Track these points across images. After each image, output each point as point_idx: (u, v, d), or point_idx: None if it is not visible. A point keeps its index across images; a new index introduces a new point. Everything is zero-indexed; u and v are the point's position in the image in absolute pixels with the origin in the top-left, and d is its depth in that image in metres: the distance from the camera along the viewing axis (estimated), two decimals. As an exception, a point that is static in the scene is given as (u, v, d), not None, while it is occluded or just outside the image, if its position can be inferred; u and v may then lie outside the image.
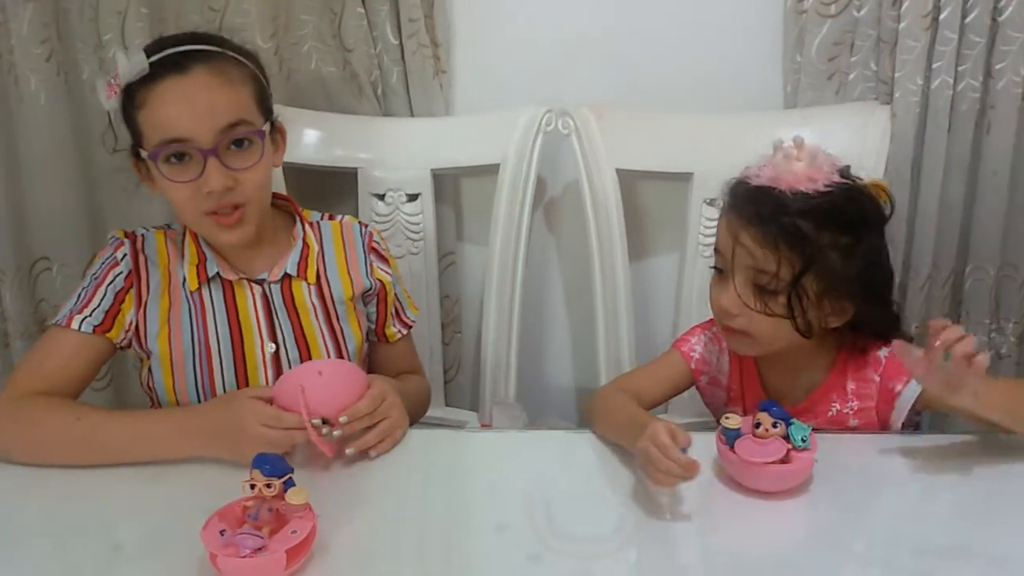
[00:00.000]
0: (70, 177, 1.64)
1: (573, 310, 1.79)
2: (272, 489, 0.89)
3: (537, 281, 1.71)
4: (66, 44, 1.58)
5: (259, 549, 0.85)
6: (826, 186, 1.07)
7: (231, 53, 1.16)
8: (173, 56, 1.11)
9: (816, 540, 0.99)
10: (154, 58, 1.10)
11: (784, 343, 1.13)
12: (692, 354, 1.26)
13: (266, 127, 1.16)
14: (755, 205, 1.09)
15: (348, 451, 1.07)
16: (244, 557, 0.84)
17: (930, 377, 0.98)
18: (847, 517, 1.00)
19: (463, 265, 1.75)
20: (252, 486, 0.89)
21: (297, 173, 1.54)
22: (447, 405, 1.73)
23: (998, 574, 0.90)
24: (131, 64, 1.10)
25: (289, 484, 0.90)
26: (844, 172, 1.11)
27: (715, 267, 1.16)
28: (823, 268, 1.07)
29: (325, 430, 1.05)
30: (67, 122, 1.61)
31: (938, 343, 0.96)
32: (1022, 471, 1.06)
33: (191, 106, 1.09)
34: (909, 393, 1.12)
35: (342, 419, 1.06)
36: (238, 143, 1.12)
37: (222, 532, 0.87)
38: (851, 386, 1.16)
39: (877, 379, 1.15)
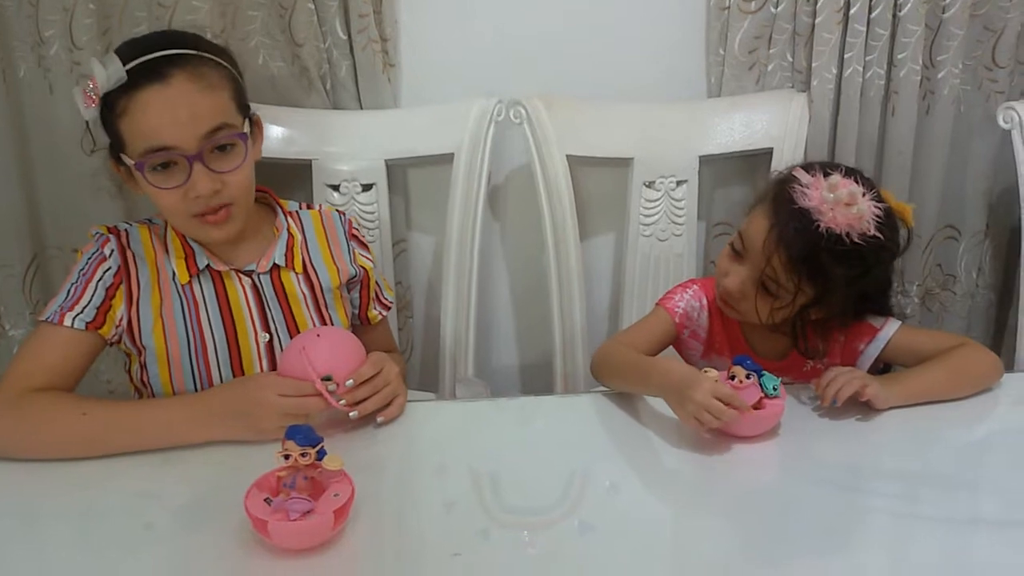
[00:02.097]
0: (8, 177, 1.61)
1: (519, 290, 1.87)
2: (307, 458, 0.93)
3: (484, 264, 1.78)
4: (3, 42, 1.55)
5: (307, 513, 0.90)
6: (860, 238, 1.16)
7: (207, 55, 1.16)
8: (151, 63, 1.11)
9: (787, 474, 1.12)
10: (131, 65, 1.10)
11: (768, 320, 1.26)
12: (676, 310, 1.37)
13: (246, 128, 1.19)
14: (794, 231, 1.18)
15: (351, 415, 1.12)
16: (295, 521, 0.89)
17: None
18: (814, 454, 1.13)
19: (413, 252, 1.80)
20: (286, 456, 0.94)
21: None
22: (402, 387, 1.78)
23: (954, 494, 1.05)
24: (108, 73, 1.10)
25: (322, 453, 0.95)
26: (875, 200, 1.19)
27: (732, 246, 1.27)
28: (830, 297, 1.21)
29: (331, 386, 1.10)
30: (4, 121, 1.59)
31: (824, 400, 1.17)
32: (982, 401, 1.24)
33: (173, 115, 1.10)
34: (871, 351, 1.28)
35: (348, 383, 1.11)
36: (221, 147, 1.15)
37: (267, 500, 0.92)
38: (822, 347, 1.30)
39: (842, 339, 1.30)
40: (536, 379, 1.88)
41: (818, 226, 1.16)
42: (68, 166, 1.61)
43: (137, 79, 1.10)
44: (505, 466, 1.11)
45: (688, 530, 1.02)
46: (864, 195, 1.17)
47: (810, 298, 1.22)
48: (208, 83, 1.13)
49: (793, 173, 1.22)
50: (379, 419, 1.16)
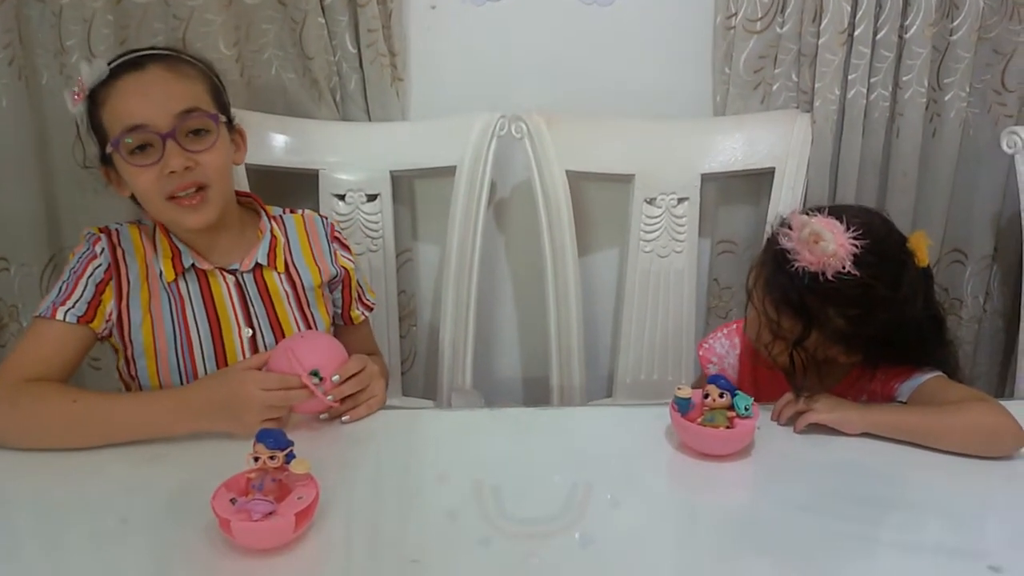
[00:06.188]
0: (29, 180, 1.67)
1: (521, 303, 1.89)
2: (275, 461, 0.96)
3: (487, 276, 1.80)
4: (27, 50, 1.61)
5: (269, 514, 0.93)
6: (836, 274, 1.16)
7: (186, 56, 1.26)
8: (131, 58, 1.22)
9: (758, 495, 1.12)
10: (114, 63, 1.20)
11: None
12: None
13: (222, 118, 1.24)
14: (774, 270, 1.22)
15: (343, 419, 1.18)
16: (257, 521, 0.92)
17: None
18: (786, 474, 1.13)
19: (418, 262, 1.84)
20: (256, 459, 0.96)
21: (261, 174, 1.61)
22: (403, 395, 1.81)
23: (926, 520, 1.05)
24: (93, 70, 1.20)
25: (291, 456, 0.97)
26: (874, 245, 1.17)
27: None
28: (828, 332, 1.21)
29: (316, 380, 1.14)
30: (26, 126, 1.64)
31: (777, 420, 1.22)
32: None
33: (148, 95, 1.19)
34: (904, 390, 1.25)
35: (334, 378, 1.16)
36: (196, 132, 1.21)
37: (232, 500, 0.95)
38: (862, 390, 1.29)
39: (882, 378, 1.27)
40: (536, 392, 1.89)
41: (793, 265, 1.17)
42: (85, 171, 1.67)
43: (118, 71, 1.20)
44: (502, 476, 1.12)
45: (687, 547, 1.03)
46: (837, 232, 1.16)
47: (799, 335, 1.21)
48: (183, 73, 1.23)
49: (787, 216, 1.23)
50: (344, 418, 1.20)
